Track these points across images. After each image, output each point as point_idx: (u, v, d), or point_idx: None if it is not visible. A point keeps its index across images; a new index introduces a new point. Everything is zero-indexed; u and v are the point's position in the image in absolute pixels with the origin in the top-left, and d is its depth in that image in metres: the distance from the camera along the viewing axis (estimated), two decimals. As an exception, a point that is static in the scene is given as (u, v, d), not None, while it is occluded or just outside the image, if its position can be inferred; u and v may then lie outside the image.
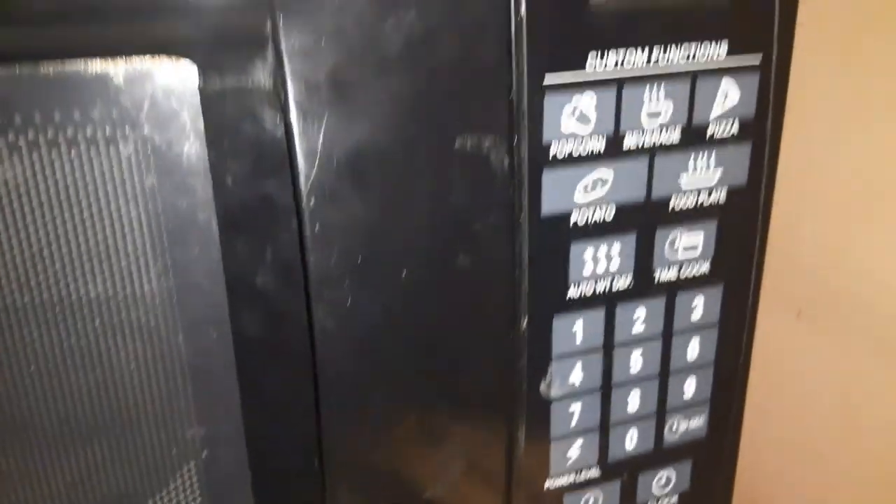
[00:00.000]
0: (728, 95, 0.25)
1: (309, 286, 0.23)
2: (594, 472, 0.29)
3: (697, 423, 0.30)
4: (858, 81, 0.31)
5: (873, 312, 0.31)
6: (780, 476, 0.37)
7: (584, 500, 0.29)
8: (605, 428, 0.28)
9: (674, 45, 0.24)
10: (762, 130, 0.26)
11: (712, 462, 0.32)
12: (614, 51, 0.23)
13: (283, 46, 0.21)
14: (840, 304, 0.32)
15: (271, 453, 0.26)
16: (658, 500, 0.31)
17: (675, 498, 0.31)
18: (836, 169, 0.32)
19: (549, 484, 0.28)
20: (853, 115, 0.30)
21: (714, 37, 0.24)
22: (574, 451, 0.28)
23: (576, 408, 0.28)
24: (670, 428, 0.30)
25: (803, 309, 0.35)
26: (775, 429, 0.36)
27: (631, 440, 0.29)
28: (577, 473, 0.29)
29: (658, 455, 0.30)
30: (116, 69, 0.22)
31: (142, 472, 0.27)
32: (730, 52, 0.25)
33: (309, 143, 0.22)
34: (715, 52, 0.24)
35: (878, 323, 0.31)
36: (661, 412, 0.29)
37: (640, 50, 0.24)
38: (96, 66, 0.22)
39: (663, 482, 0.31)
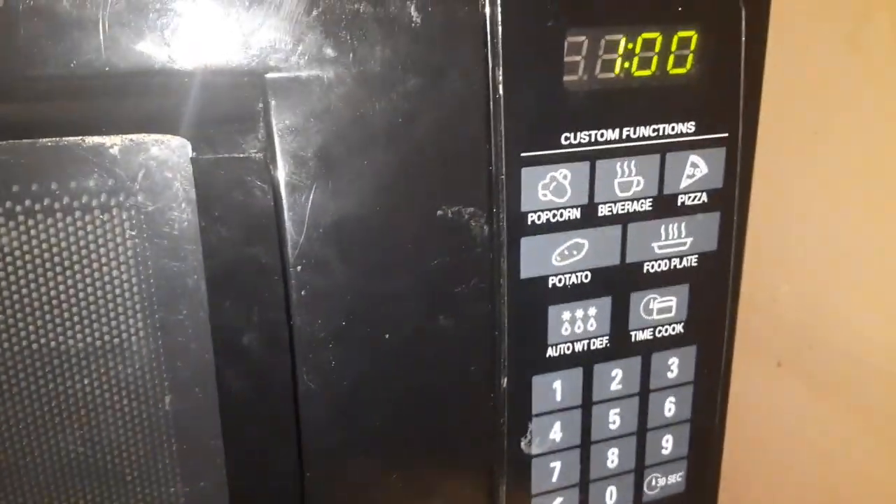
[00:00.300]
0: (696, 168, 0.27)
1: (294, 348, 0.24)
2: (575, 522, 0.29)
3: (675, 478, 0.31)
4: (830, 148, 0.33)
5: (849, 369, 0.32)
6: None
7: (565, 556, 0.30)
8: (584, 484, 0.29)
9: (643, 124, 0.25)
10: (730, 200, 0.28)
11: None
12: (587, 129, 0.25)
13: (274, 124, 0.22)
14: (818, 355, 0.33)
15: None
16: (638, 556, 0.31)
17: (655, 553, 0.32)
18: (813, 229, 0.33)
19: (530, 541, 0.29)
20: (824, 181, 0.32)
21: (682, 115, 0.26)
22: (555, 500, 0.29)
23: (556, 464, 0.28)
24: (649, 484, 0.30)
25: (783, 359, 0.36)
26: (755, 479, 0.37)
27: (611, 496, 0.30)
28: (557, 529, 0.29)
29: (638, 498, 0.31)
30: (112, 142, 0.24)
31: None
32: (697, 129, 0.26)
33: (297, 213, 0.23)
34: (683, 129, 0.26)
35: (853, 374, 0.32)
36: (639, 468, 0.30)
37: (611, 128, 0.25)
38: (93, 139, 0.23)
39: (643, 537, 0.31)
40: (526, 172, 0.25)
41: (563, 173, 0.25)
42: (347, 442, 0.25)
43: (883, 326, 0.31)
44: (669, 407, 0.29)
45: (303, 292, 0.23)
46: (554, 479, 0.28)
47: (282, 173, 0.22)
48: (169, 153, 0.24)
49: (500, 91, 0.24)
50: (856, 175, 0.31)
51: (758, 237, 0.36)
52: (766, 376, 0.35)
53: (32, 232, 0.23)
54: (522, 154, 0.24)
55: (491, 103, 0.24)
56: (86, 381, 0.25)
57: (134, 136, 0.24)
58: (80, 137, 0.23)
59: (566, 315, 0.26)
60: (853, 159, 0.31)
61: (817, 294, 0.33)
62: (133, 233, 0.24)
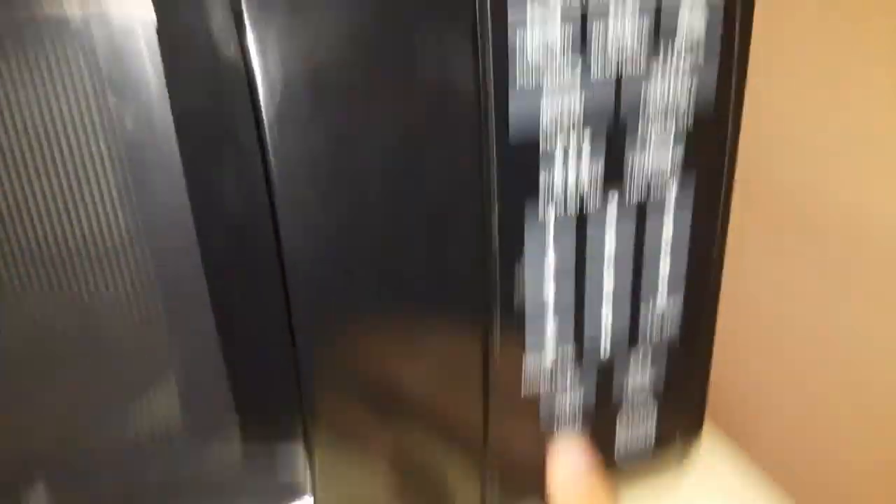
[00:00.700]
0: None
1: (271, 188, 0.23)
2: (570, 354, 0.31)
3: (673, 302, 0.31)
4: (832, 21, 0.29)
5: (844, 233, 0.31)
6: (757, 360, 0.39)
7: (559, 385, 0.31)
8: (580, 304, 0.29)
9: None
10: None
11: (688, 358, 0.33)
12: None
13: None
14: (814, 225, 0.32)
15: (246, 353, 0.28)
16: (634, 382, 0.33)
17: (652, 380, 0.33)
18: (813, 105, 0.31)
19: (526, 372, 0.30)
20: (824, 51, 0.29)
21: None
22: (549, 339, 0.30)
23: (550, 288, 0.28)
24: (646, 304, 0.31)
25: (781, 229, 0.35)
26: (751, 344, 0.37)
27: (606, 332, 0.30)
28: (553, 363, 0.30)
29: (634, 350, 0.31)
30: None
31: (118, 388, 0.28)
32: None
33: (266, 54, 0.21)
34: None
35: (849, 243, 0.31)
36: (636, 290, 0.30)
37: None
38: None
39: (640, 365, 0.32)
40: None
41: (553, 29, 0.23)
42: (334, 289, 0.26)
43: (878, 193, 0.30)
44: (667, 231, 0.29)
45: (276, 130, 0.22)
46: (549, 324, 0.29)
47: (246, 10, 0.21)
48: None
49: None
50: (862, 53, 0.28)
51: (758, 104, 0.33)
52: (763, 245, 0.34)
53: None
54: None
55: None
56: (58, 231, 0.25)
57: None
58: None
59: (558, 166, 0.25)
60: (862, 39, 0.28)
61: (811, 158, 0.31)
62: (90, 70, 0.23)
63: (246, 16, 0.21)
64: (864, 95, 0.29)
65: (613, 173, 0.26)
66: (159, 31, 0.22)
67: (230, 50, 0.22)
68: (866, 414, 0.33)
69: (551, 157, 0.25)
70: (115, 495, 0.29)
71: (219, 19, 0.22)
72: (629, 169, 0.27)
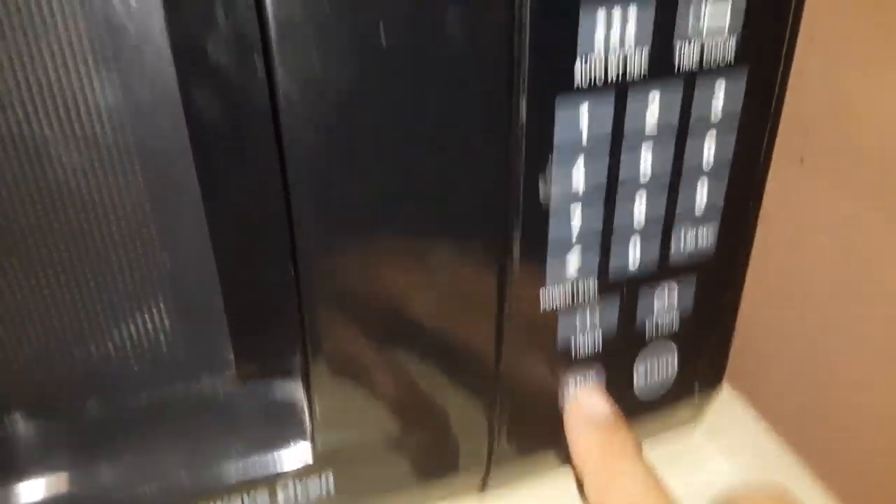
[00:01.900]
0: None
1: (268, 45, 0.19)
2: (592, 283, 0.27)
3: (706, 236, 0.28)
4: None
5: (874, 163, 0.29)
6: (778, 319, 0.36)
7: (579, 318, 0.28)
8: (607, 237, 0.26)
9: None
10: None
11: (718, 283, 0.30)
12: None
13: None
14: (842, 153, 0.30)
15: (242, 264, 0.24)
16: (658, 320, 0.29)
17: (676, 319, 0.30)
18: (846, 27, 0.28)
19: (545, 293, 0.26)
20: None
21: None
22: (572, 264, 0.26)
23: (576, 209, 0.25)
24: (677, 238, 0.27)
25: (806, 157, 0.32)
26: (781, 276, 0.35)
27: (634, 252, 0.27)
28: (574, 283, 0.27)
29: (662, 271, 0.28)
30: None
31: (106, 295, 0.24)
32: None
33: None
34: None
35: (879, 174, 0.29)
36: (668, 220, 0.27)
37: None
38: None
39: (665, 302, 0.29)
40: None
41: None
42: (338, 173, 0.21)
43: None
44: (709, 149, 0.25)
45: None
46: (573, 230, 0.25)
47: None
48: None
49: None
50: None
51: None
52: (790, 173, 0.32)
53: None
54: None
55: None
56: (38, 107, 0.21)
57: None
58: None
59: (601, 16, 0.22)
60: None
61: (843, 87, 0.29)
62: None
63: None
64: None
65: (664, 28, 0.23)
66: None
67: None
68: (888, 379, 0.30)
69: (594, 6, 0.21)
70: (104, 419, 0.25)
71: None
72: (682, 17, 0.23)
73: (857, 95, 0.28)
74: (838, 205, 0.30)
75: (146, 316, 0.25)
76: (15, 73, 0.20)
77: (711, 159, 0.26)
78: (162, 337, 0.25)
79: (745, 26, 0.23)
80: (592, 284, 0.27)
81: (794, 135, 0.30)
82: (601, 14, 0.21)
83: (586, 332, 0.28)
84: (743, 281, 0.31)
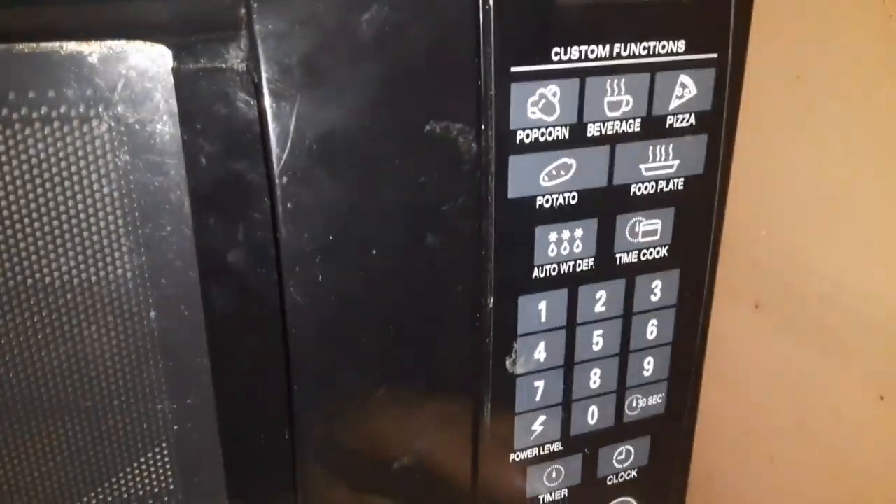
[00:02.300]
0: (686, 89, 0.26)
1: (281, 263, 0.24)
2: (557, 446, 0.30)
3: (656, 400, 0.32)
4: (812, 88, 0.32)
5: (825, 307, 0.33)
6: (734, 462, 0.39)
7: (547, 472, 0.31)
8: (567, 403, 0.30)
9: (634, 41, 0.25)
10: (718, 123, 0.27)
11: (670, 438, 0.33)
12: (577, 44, 0.24)
13: (257, 31, 0.21)
14: (795, 298, 0.34)
15: (242, 429, 0.27)
16: (618, 474, 0.32)
17: (634, 472, 0.33)
18: (792, 171, 0.33)
19: (514, 457, 0.30)
20: (808, 119, 0.32)
21: (672, 34, 0.25)
22: (538, 426, 0.30)
23: (540, 384, 0.29)
24: (630, 404, 0.31)
25: (761, 301, 0.37)
26: (730, 418, 0.38)
27: (592, 416, 0.30)
28: (540, 447, 0.30)
29: (618, 430, 0.31)
30: (91, 49, 0.23)
31: (112, 448, 0.27)
32: (687, 49, 0.26)
33: (282, 124, 0.22)
34: (673, 48, 0.26)
35: (829, 320, 0.33)
36: (621, 389, 0.30)
37: (602, 44, 0.25)
38: (71, 46, 0.23)
39: (623, 456, 0.32)
40: (515, 88, 0.24)
41: (552, 90, 0.25)
42: (334, 357, 0.25)
43: (859, 270, 0.32)
44: (652, 330, 0.30)
45: (289, 205, 0.23)
46: (538, 398, 0.29)
47: (266, 82, 0.22)
48: (149, 62, 0.23)
49: (490, 3, 0.23)
50: (836, 120, 0.31)
51: (737, 181, 0.36)
52: (744, 318, 0.36)
53: (10, 143, 0.23)
54: (512, 69, 0.24)
55: (481, 16, 0.23)
56: (69, 297, 0.25)
57: (113, 44, 0.23)
58: (57, 44, 0.22)
59: (553, 236, 0.27)
60: (834, 105, 0.31)
61: (796, 238, 0.33)
62: (114, 145, 0.24)
63: (265, 85, 0.22)
64: (847, 171, 0.31)
65: (606, 235, 0.27)
66: (175, 73, 0.22)
67: (247, 105, 0.23)
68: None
69: (547, 213, 0.26)
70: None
71: (236, 77, 0.23)
72: (621, 232, 0.28)
73: (809, 249, 0.32)
74: (791, 348, 0.33)
75: (147, 467, 0.27)
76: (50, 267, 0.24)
77: (655, 338, 0.30)
78: (162, 488, 0.28)
79: (674, 238, 0.28)
80: (557, 445, 0.30)
81: (748, 281, 0.34)
82: (553, 234, 0.26)
83: (553, 487, 0.31)
84: (692, 433, 0.34)
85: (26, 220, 0.24)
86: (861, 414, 0.33)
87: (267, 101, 0.22)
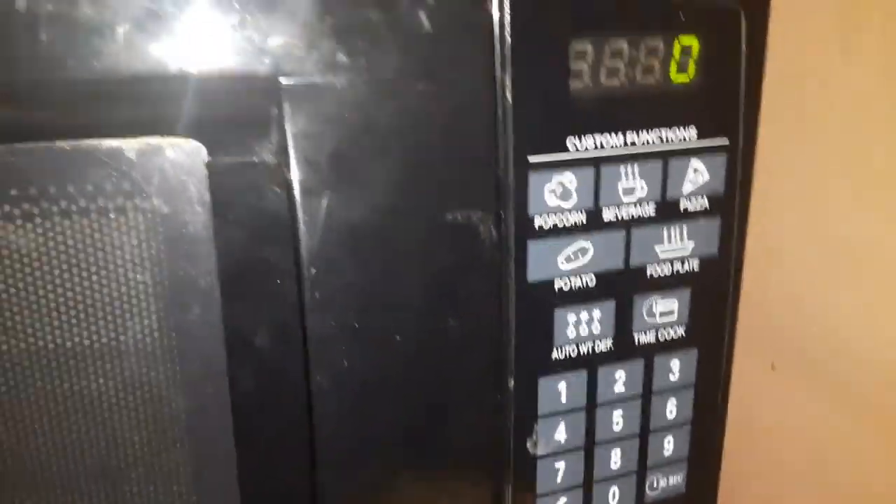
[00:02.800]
0: (698, 174, 0.27)
1: (307, 349, 0.24)
2: (579, 525, 0.30)
3: (677, 480, 0.31)
4: (819, 147, 0.33)
5: (842, 366, 0.33)
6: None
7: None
8: (588, 485, 0.29)
9: (646, 129, 0.26)
10: (731, 205, 0.28)
11: (692, 517, 0.33)
12: (592, 134, 0.25)
13: (288, 129, 0.23)
14: (811, 357, 0.34)
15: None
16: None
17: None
18: (801, 227, 0.34)
19: (535, 542, 0.29)
20: (818, 186, 0.33)
21: (684, 121, 0.26)
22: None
23: (560, 465, 0.28)
24: (651, 484, 0.31)
25: (777, 362, 0.36)
26: (752, 481, 0.37)
27: (613, 496, 0.30)
28: (561, 529, 0.30)
29: (640, 508, 0.31)
30: (129, 145, 0.24)
31: None
32: (699, 135, 0.27)
33: (311, 217, 0.23)
34: (685, 135, 0.27)
35: (846, 376, 0.33)
36: (641, 469, 0.30)
37: (615, 133, 0.26)
38: (110, 143, 0.24)
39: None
40: (533, 177, 0.25)
41: (568, 178, 0.25)
42: (359, 441, 0.25)
43: (876, 324, 0.32)
44: (671, 409, 0.30)
45: (316, 294, 0.23)
46: (559, 479, 0.29)
47: (296, 178, 0.23)
48: (184, 157, 0.24)
49: (509, 97, 0.24)
50: (845, 173, 0.32)
51: (749, 238, 0.36)
52: (761, 377, 0.35)
53: (49, 234, 0.24)
54: (530, 159, 0.25)
55: (499, 109, 0.24)
56: (100, 381, 0.25)
57: (150, 140, 0.24)
58: (96, 140, 0.23)
59: (571, 318, 0.27)
60: (843, 158, 0.32)
61: (809, 294, 0.34)
62: (149, 235, 0.25)
63: (296, 183, 0.23)
64: (855, 223, 0.31)
65: (623, 317, 0.28)
66: (209, 167, 0.23)
67: (277, 198, 0.24)
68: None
69: (566, 296, 0.26)
70: None
71: (267, 170, 0.24)
72: (638, 314, 0.28)
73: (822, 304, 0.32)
74: (808, 407, 0.33)
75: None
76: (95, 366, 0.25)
77: (674, 417, 0.30)
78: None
79: (690, 318, 0.28)
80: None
81: (763, 341, 0.34)
82: (572, 316, 0.27)
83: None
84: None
85: (62, 307, 0.24)
86: (887, 475, 0.32)
87: (298, 197, 0.23)
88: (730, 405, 0.33)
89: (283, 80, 0.22)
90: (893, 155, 0.30)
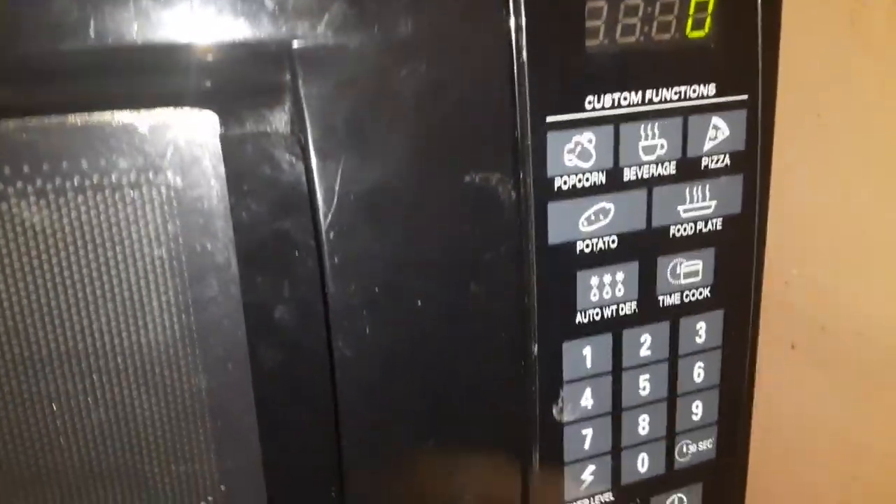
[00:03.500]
0: (718, 131, 0.26)
1: (329, 318, 0.23)
2: (608, 496, 0.29)
3: (707, 445, 0.30)
4: (834, 127, 0.32)
5: (862, 345, 0.32)
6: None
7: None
8: (616, 451, 0.29)
9: (665, 87, 0.25)
10: (752, 162, 0.27)
11: (723, 484, 0.32)
12: (609, 92, 0.25)
13: (302, 94, 0.22)
14: (831, 337, 0.33)
15: (290, 487, 0.26)
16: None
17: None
18: (821, 210, 0.33)
19: (564, 512, 0.28)
20: (833, 157, 0.32)
21: (703, 78, 0.25)
22: (587, 475, 0.28)
23: (588, 431, 0.28)
24: (680, 450, 0.30)
25: (797, 342, 0.35)
26: (775, 463, 0.37)
27: (643, 463, 0.29)
28: (591, 498, 0.29)
29: (670, 478, 0.30)
30: (141, 119, 0.23)
31: None
32: (718, 92, 0.26)
33: (327, 182, 0.22)
34: (704, 91, 0.26)
35: (866, 355, 0.32)
36: (670, 435, 0.29)
37: (633, 91, 0.25)
38: (122, 116, 0.23)
39: (675, 505, 0.31)
40: (552, 137, 0.24)
41: (588, 137, 0.25)
42: (383, 411, 0.25)
43: (894, 306, 0.31)
44: (698, 372, 0.29)
45: (336, 260, 0.23)
46: (586, 446, 0.28)
47: (312, 143, 0.22)
48: (197, 129, 0.24)
49: (524, 57, 0.23)
50: (862, 158, 0.31)
51: (768, 222, 0.35)
52: (780, 360, 0.35)
53: (63, 210, 0.23)
54: (548, 119, 0.24)
55: (515, 69, 0.24)
56: (119, 359, 0.25)
57: (162, 112, 0.23)
58: (108, 113, 0.23)
59: (594, 280, 0.26)
60: (859, 142, 0.31)
61: (829, 277, 0.33)
62: (163, 209, 0.24)
63: (312, 146, 0.22)
64: (874, 206, 0.30)
65: (647, 279, 0.27)
66: (223, 139, 0.23)
67: (292, 166, 0.23)
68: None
69: (587, 257, 0.26)
70: None
71: (281, 139, 0.23)
72: (662, 275, 0.27)
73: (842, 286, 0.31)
74: (829, 387, 0.32)
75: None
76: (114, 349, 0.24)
77: (702, 381, 0.29)
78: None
79: (716, 278, 0.28)
80: (608, 495, 0.29)
81: (783, 322, 0.33)
82: (594, 279, 0.26)
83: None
84: (745, 479, 0.33)
85: (78, 285, 0.24)
86: None
87: (314, 161, 0.22)
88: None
89: (295, 44, 0.21)
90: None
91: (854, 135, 0.31)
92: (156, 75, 0.23)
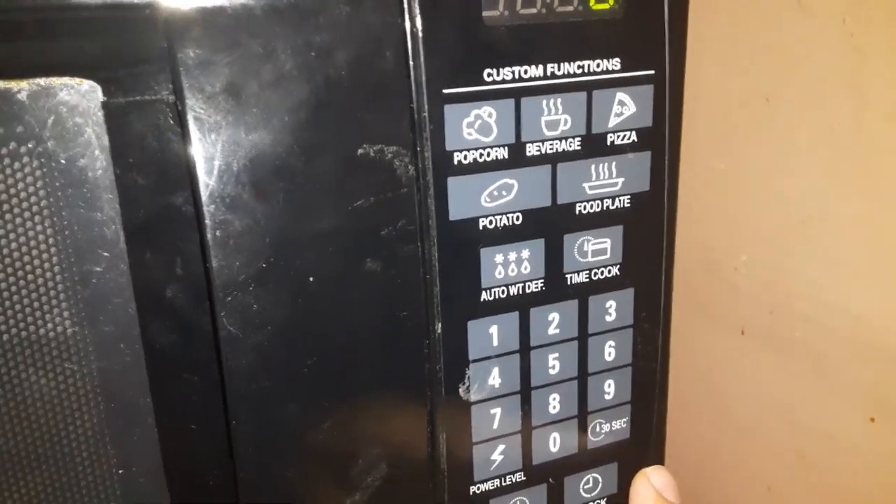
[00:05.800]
0: (624, 106, 0.25)
1: (212, 293, 0.22)
2: (519, 476, 0.27)
3: (620, 424, 0.29)
4: (782, 110, 0.31)
5: (809, 328, 0.31)
6: (731, 493, 0.36)
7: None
8: (527, 431, 0.27)
9: (568, 60, 0.23)
10: (660, 139, 0.26)
11: (638, 463, 0.30)
12: (510, 65, 0.23)
13: (179, 59, 0.20)
14: (779, 321, 0.32)
15: (188, 468, 0.25)
16: (586, 504, 0.29)
17: (602, 501, 0.30)
18: (769, 194, 0.31)
19: (475, 489, 0.27)
20: (781, 141, 0.30)
21: (607, 52, 0.24)
22: (497, 455, 0.27)
23: (496, 411, 0.26)
24: (593, 430, 0.28)
25: (746, 327, 0.34)
26: (723, 446, 0.35)
27: (555, 443, 0.28)
28: (502, 478, 0.27)
29: (583, 458, 0.29)
30: (20, 86, 0.21)
31: (56, 496, 0.24)
32: (623, 66, 0.24)
33: (207, 151, 0.20)
34: (608, 66, 0.24)
35: (814, 338, 0.31)
36: (582, 414, 0.28)
37: (535, 65, 0.23)
38: None
39: (590, 485, 0.29)
40: (449, 110, 0.22)
41: (487, 111, 0.23)
42: (275, 389, 0.23)
43: (842, 290, 0.30)
44: (609, 351, 0.27)
45: (217, 233, 0.21)
46: (495, 426, 0.26)
47: (189, 110, 0.20)
48: (79, 98, 0.22)
49: (418, 25, 0.22)
50: (810, 143, 0.30)
51: (715, 207, 0.34)
52: (730, 344, 0.33)
53: (-63, 182, 0.21)
54: (444, 90, 0.22)
55: (409, 38, 0.22)
56: (4, 339, 0.23)
57: (42, 81, 0.21)
58: (-17, 81, 0.21)
59: (499, 258, 0.24)
60: (807, 127, 0.29)
61: (777, 261, 0.31)
62: (45, 182, 0.22)
63: (189, 113, 0.20)
64: (822, 190, 0.29)
65: (554, 256, 0.25)
66: (105, 107, 0.21)
67: (176, 135, 0.21)
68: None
69: (491, 234, 0.24)
70: None
71: (166, 108, 0.21)
72: (569, 253, 0.25)
73: (790, 271, 0.30)
74: (779, 372, 0.31)
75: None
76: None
77: (613, 359, 0.28)
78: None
79: (625, 256, 0.26)
80: (519, 475, 0.27)
81: (732, 307, 0.32)
82: (499, 256, 0.24)
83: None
84: (661, 458, 0.31)
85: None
86: (853, 437, 0.31)
87: (191, 128, 0.20)
88: (700, 372, 0.31)
89: (169, 5, 0.20)
90: (853, 120, 0.28)
91: (802, 119, 0.29)
92: (33, 41, 0.21)
